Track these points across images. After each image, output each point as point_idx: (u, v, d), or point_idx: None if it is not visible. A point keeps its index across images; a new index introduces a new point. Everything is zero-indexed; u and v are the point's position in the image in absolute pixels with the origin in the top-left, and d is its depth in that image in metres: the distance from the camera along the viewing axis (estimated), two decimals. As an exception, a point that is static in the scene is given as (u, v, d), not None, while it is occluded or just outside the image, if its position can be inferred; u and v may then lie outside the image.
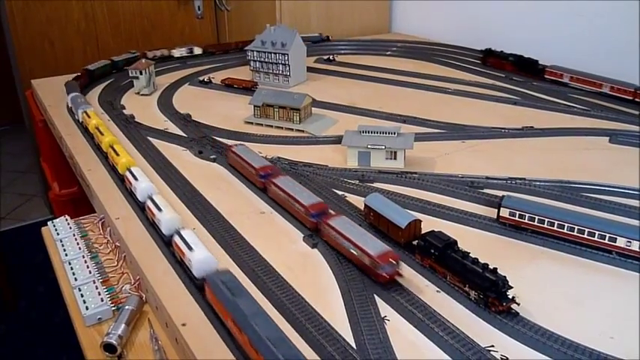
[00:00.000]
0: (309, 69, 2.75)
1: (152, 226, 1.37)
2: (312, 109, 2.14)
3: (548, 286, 1.18)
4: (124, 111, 2.24)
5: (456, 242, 1.18)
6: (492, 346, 1.00)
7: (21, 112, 4.46)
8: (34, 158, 4.02)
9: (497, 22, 2.97)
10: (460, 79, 2.62)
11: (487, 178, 1.61)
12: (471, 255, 1.14)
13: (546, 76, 2.52)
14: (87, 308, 1.22)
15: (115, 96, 2.44)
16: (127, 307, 1.20)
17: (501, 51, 2.78)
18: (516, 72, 2.66)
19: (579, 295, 1.16)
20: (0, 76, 5.00)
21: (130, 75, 2.45)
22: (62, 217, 1.59)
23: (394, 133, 1.70)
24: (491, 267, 1.10)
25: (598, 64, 2.43)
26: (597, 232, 1.25)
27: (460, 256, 1.14)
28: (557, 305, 1.12)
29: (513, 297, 1.07)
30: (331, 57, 3.00)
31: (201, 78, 2.65)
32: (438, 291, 1.16)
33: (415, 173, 1.64)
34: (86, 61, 3.74)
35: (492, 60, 2.79)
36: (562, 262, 1.26)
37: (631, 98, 2.23)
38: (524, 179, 1.60)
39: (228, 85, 2.52)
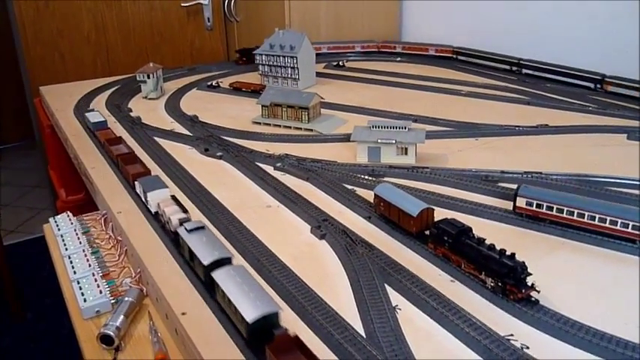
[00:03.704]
0: (319, 74, 2.72)
1: (154, 219, 1.33)
2: (322, 110, 2.10)
3: (570, 276, 1.12)
4: (131, 113, 2.22)
5: (470, 229, 1.12)
6: (512, 335, 0.94)
7: (31, 128, 4.48)
8: (44, 173, 4.02)
9: (509, 26, 2.92)
10: (471, 81, 2.57)
11: (502, 172, 1.55)
12: (486, 241, 1.08)
13: None
14: (85, 300, 1.17)
15: (122, 100, 2.42)
16: (126, 298, 1.15)
17: (255, 45, 2.95)
18: None
19: (603, 285, 1.09)
20: (12, 93, 5.04)
21: (138, 79, 2.43)
22: (64, 213, 1.55)
23: (405, 128, 1.65)
24: (508, 253, 1.04)
25: (612, 64, 2.38)
26: (620, 221, 1.18)
27: (475, 242, 1.08)
28: (580, 295, 1.05)
29: (533, 284, 1.01)
30: (340, 63, 2.96)
31: (209, 82, 2.62)
32: (452, 280, 1.10)
33: (427, 168, 1.59)
34: (96, 73, 3.77)
35: (254, 56, 2.92)
36: (583, 253, 1.19)
37: (450, 55, 2.96)
38: (541, 173, 1.54)
39: (237, 89, 2.49)
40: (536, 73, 2.57)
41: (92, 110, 2.17)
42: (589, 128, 1.92)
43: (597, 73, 2.37)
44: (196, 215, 1.37)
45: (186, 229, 1.13)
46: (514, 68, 2.66)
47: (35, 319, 3.23)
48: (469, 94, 2.39)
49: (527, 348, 0.91)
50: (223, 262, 1.03)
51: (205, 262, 1.03)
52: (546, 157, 1.69)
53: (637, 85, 2.22)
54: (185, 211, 1.25)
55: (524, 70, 2.63)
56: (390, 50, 3.17)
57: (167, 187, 1.37)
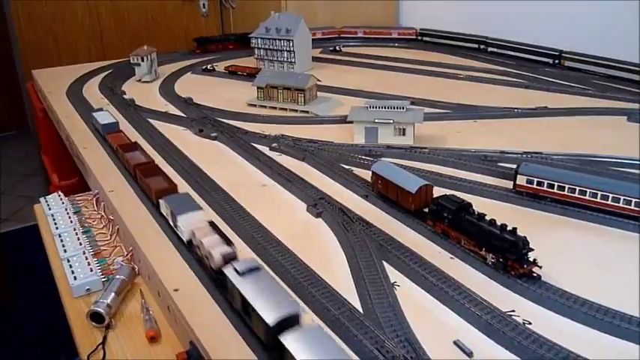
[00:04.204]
0: (315, 59, 2.68)
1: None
2: (318, 93, 2.06)
3: (571, 253, 1.09)
4: (125, 96, 2.18)
5: (470, 205, 1.10)
6: (513, 311, 0.92)
7: (26, 117, 4.42)
8: (38, 162, 3.97)
9: (506, 12, 2.88)
10: (470, 66, 2.54)
11: (502, 152, 1.52)
12: (486, 217, 1.05)
13: None
14: (75, 278, 1.14)
15: (116, 83, 2.38)
16: (117, 276, 1.12)
17: (218, 35, 3.02)
18: (240, 48, 2.91)
19: (605, 262, 1.07)
20: (7, 82, 4.98)
21: (132, 61, 2.39)
22: (55, 193, 1.52)
23: (403, 108, 1.62)
24: (509, 228, 1.01)
25: (601, 46, 2.37)
26: (622, 198, 1.16)
27: (475, 218, 1.05)
28: (582, 272, 1.03)
29: (535, 259, 0.98)
30: (337, 47, 2.93)
31: (204, 66, 2.58)
32: (451, 257, 1.07)
33: (425, 148, 1.56)
34: (90, 58, 3.72)
35: (211, 46, 2.94)
36: (585, 231, 1.17)
37: (414, 37, 3.04)
38: (541, 153, 1.51)
39: (232, 72, 2.45)
40: (501, 51, 2.69)
41: (100, 109, 1.86)
42: (589, 110, 1.89)
43: (555, 49, 2.47)
44: (195, 197, 1.34)
45: (237, 270, 0.87)
46: (481, 46, 2.78)
47: (28, 306, 3.20)
48: (467, 77, 2.36)
49: (530, 324, 0.88)
50: (291, 320, 0.77)
51: (271, 322, 0.75)
52: (546, 139, 1.66)
53: (592, 60, 2.33)
54: (229, 242, 0.99)
55: (490, 48, 2.75)
56: (351, 35, 3.15)
57: (201, 208, 1.12)
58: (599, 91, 2.11)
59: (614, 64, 2.25)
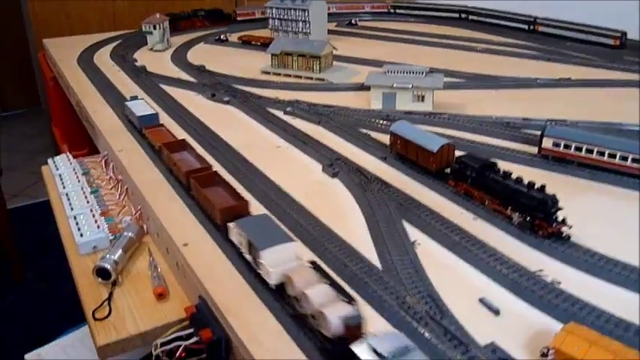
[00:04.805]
0: (330, 32, 2.62)
1: (156, 155, 1.26)
2: (334, 62, 2.01)
3: (600, 217, 1.04)
4: (136, 63, 2.14)
5: (495, 163, 1.04)
6: (542, 270, 0.86)
7: (37, 95, 4.39)
8: (49, 139, 3.95)
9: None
10: (488, 39, 2.47)
11: (524, 119, 1.46)
12: (512, 176, 1.00)
13: (239, 19, 2.88)
14: (82, 235, 1.10)
15: (128, 51, 2.33)
16: (125, 233, 1.08)
17: (187, 11, 2.89)
18: (209, 25, 2.84)
19: (636, 226, 1.01)
20: (18, 61, 4.96)
21: (144, 30, 2.35)
22: (63, 154, 1.48)
23: (422, 73, 1.57)
24: (538, 186, 0.96)
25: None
26: (655, 161, 1.10)
27: (501, 176, 1.00)
28: (611, 235, 0.97)
29: (564, 219, 0.93)
30: (353, 21, 2.86)
31: (217, 37, 2.53)
32: (474, 218, 1.02)
33: (445, 114, 1.50)
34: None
35: (183, 23, 2.80)
36: (614, 195, 1.11)
37: (386, 11, 3.08)
38: (566, 121, 1.45)
39: (246, 42, 2.40)
40: (480, 19, 2.76)
41: (135, 98, 1.54)
42: (614, 82, 1.82)
43: (530, 15, 2.54)
44: (204, 157, 1.28)
45: (378, 353, 0.58)
46: (462, 15, 2.85)
47: (36, 281, 3.18)
48: (484, 50, 2.30)
49: (559, 283, 0.83)
50: None
51: None
52: (570, 108, 1.60)
53: (565, 25, 2.40)
54: (349, 298, 0.70)
55: (470, 17, 2.82)
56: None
57: (292, 238, 0.81)
58: (622, 64, 2.04)
59: (586, 28, 2.33)
